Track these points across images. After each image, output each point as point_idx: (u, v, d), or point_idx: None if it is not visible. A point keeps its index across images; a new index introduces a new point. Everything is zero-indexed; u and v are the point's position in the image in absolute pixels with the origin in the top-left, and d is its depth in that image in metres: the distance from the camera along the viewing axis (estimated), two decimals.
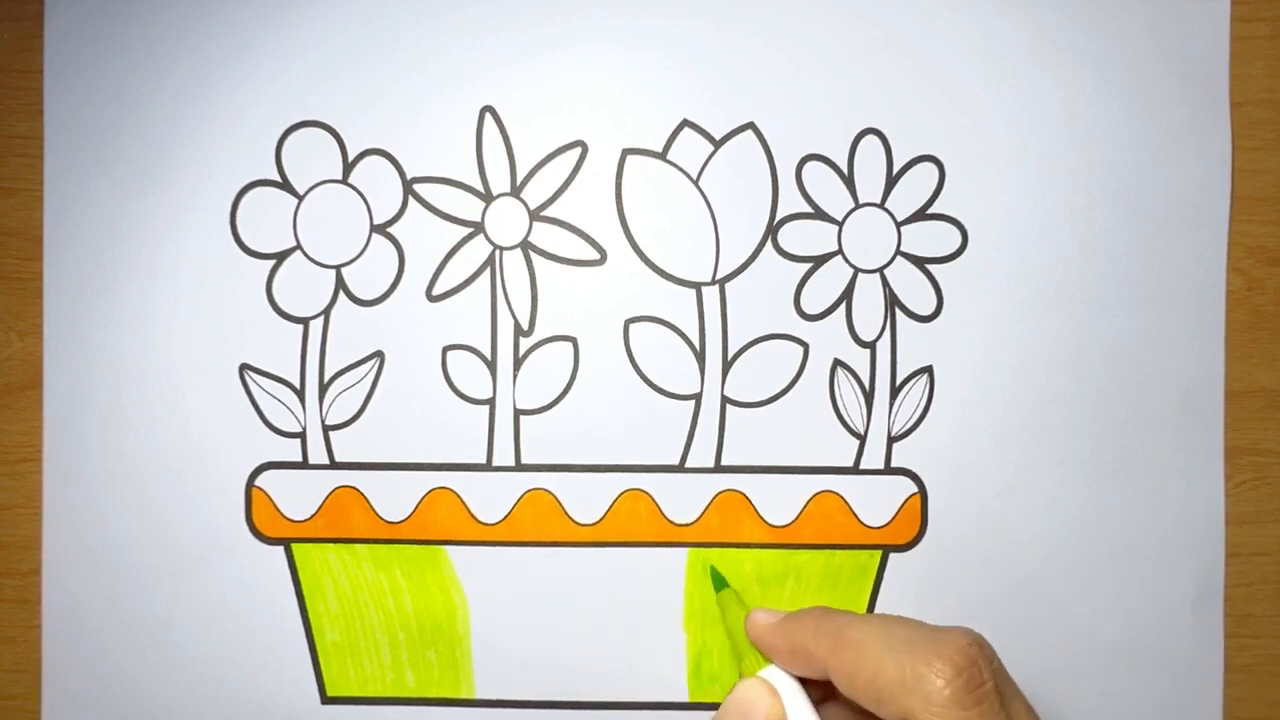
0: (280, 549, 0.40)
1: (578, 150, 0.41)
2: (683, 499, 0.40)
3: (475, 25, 0.40)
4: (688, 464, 0.40)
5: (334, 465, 0.40)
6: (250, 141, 0.40)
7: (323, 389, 0.40)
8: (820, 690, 0.34)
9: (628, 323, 0.40)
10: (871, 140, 0.40)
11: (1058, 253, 0.40)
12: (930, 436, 0.40)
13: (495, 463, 0.40)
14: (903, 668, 0.29)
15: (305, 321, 0.40)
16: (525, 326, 0.40)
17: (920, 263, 0.40)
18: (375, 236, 0.40)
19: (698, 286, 0.40)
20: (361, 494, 0.40)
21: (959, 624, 0.39)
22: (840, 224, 0.40)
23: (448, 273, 0.40)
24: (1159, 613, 0.40)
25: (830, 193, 0.40)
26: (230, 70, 0.40)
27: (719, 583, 0.39)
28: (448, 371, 0.40)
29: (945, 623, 0.40)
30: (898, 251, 0.40)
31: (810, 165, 0.40)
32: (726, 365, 0.40)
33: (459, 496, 0.40)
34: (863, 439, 0.40)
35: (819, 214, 0.40)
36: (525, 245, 0.40)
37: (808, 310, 0.40)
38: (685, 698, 0.40)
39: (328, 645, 0.40)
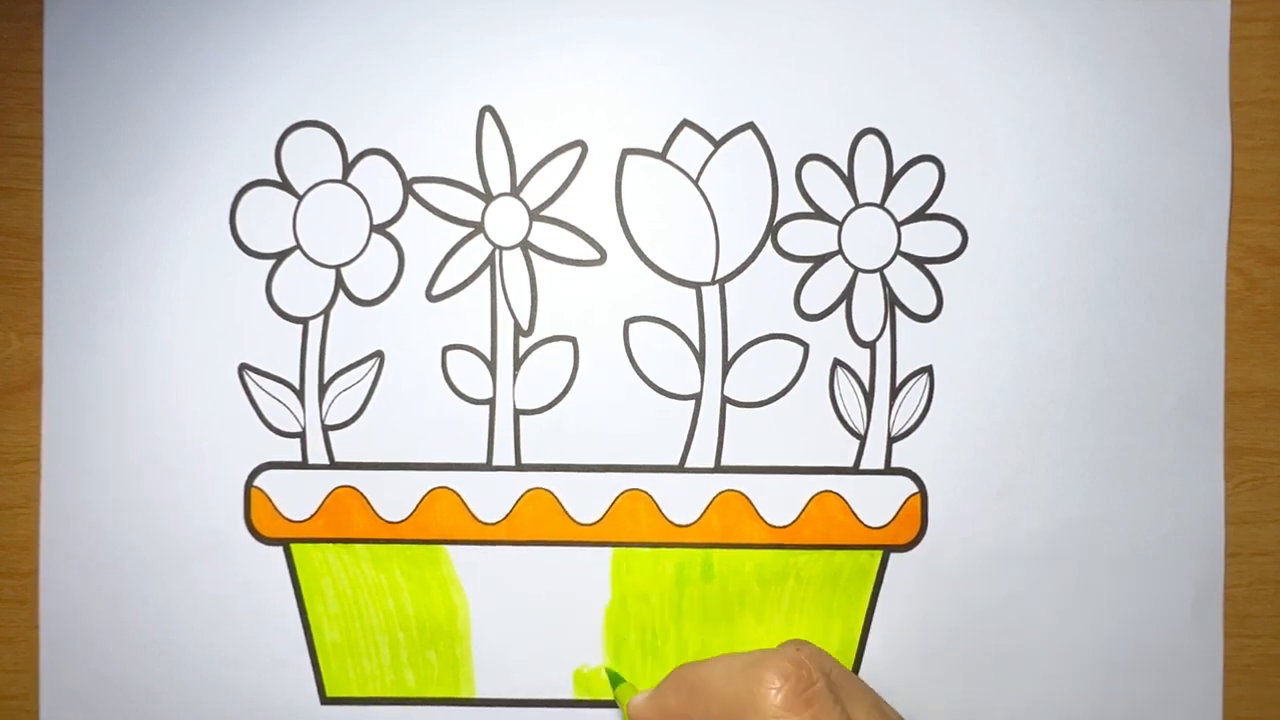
0: (280, 549, 0.40)
1: (578, 150, 0.41)
2: (683, 499, 0.40)
3: (475, 25, 0.40)
4: (688, 464, 0.40)
5: (334, 465, 0.40)
6: (250, 141, 0.40)
7: (322, 389, 0.40)
8: None
9: (628, 323, 0.40)
10: (871, 140, 0.40)
11: (1058, 253, 0.40)
12: (930, 436, 0.40)
13: (495, 462, 0.40)
14: (739, 692, 0.32)
15: (305, 321, 0.40)
16: (525, 326, 0.40)
17: (920, 263, 0.40)
18: (375, 236, 0.40)
19: (698, 286, 0.40)
20: (361, 494, 0.40)
21: (957, 625, 0.40)
22: (840, 224, 0.41)
23: (447, 273, 0.40)
24: (1159, 613, 0.40)
25: (830, 193, 0.40)
26: (230, 70, 0.40)
27: (615, 680, 0.39)
28: (448, 371, 0.40)
29: (943, 623, 0.40)
30: (898, 251, 0.40)
31: (810, 165, 0.40)
32: (726, 365, 0.40)
33: (459, 496, 0.40)
34: (863, 439, 0.40)
35: (819, 214, 0.40)
36: (525, 245, 0.40)
37: (808, 310, 0.40)
38: None
39: (327, 645, 0.40)
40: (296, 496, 0.40)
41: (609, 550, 0.40)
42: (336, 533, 0.40)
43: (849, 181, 0.40)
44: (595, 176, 0.40)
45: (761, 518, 0.40)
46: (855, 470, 0.40)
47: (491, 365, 0.40)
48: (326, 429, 0.40)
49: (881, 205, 0.40)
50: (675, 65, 0.40)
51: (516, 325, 0.40)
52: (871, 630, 0.40)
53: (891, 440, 0.40)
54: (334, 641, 0.40)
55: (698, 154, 0.40)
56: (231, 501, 0.40)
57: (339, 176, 0.40)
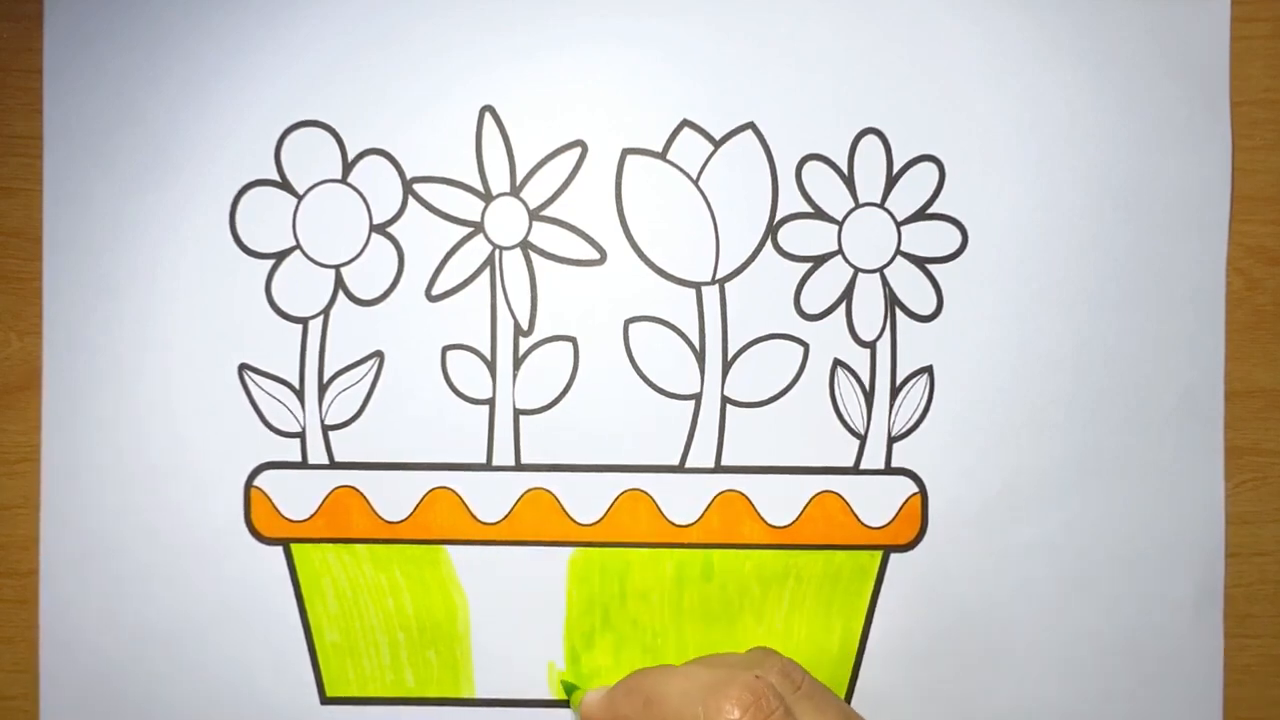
0: (279, 549, 0.40)
1: (578, 150, 0.41)
2: (683, 499, 0.40)
3: (475, 25, 0.40)
4: (688, 464, 0.40)
5: (333, 465, 0.40)
6: (250, 141, 0.40)
7: (322, 389, 0.40)
8: None
9: (628, 323, 0.40)
10: (871, 140, 0.40)
11: (1058, 253, 0.40)
12: (930, 436, 0.40)
13: (495, 462, 0.40)
14: (695, 716, 0.32)
15: (305, 321, 0.40)
16: (525, 326, 0.40)
17: (920, 263, 0.40)
18: (375, 236, 0.40)
19: (698, 286, 0.40)
20: (361, 494, 0.40)
21: (957, 625, 0.40)
22: (840, 224, 0.41)
23: (447, 272, 0.40)
24: (1159, 613, 0.40)
25: (830, 193, 0.40)
26: (230, 70, 0.40)
27: (569, 689, 0.39)
28: (447, 371, 0.40)
29: (943, 623, 0.40)
30: (898, 251, 0.40)
31: (810, 165, 0.40)
32: (726, 365, 0.40)
33: (459, 496, 0.40)
34: (863, 439, 0.40)
35: (819, 214, 0.40)
36: (525, 245, 0.40)
37: (808, 310, 0.40)
38: None
39: (327, 645, 0.40)
40: (296, 496, 0.40)
41: (609, 550, 0.40)
42: (336, 533, 0.40)
43: (849, 181, 0.40)
44: (595, 176, 0.40)
45: (761, 518, 0.40)
46: (855, 470, 0.40)
47: (491, 365, 0.40)
48: (326, 429, 0.40)
49: (881, 205, 0.40)
50: (675, 65, 0.40)
51: (516, 325, 0.40)
52: (871, 630, 0.40)
53: (891, 440, 0.40)
54: (334, 641, 0.40)
55: (698, 154, 0.40)
56: (231, 501, 0.40)
57: (339, 176, 0.40)
